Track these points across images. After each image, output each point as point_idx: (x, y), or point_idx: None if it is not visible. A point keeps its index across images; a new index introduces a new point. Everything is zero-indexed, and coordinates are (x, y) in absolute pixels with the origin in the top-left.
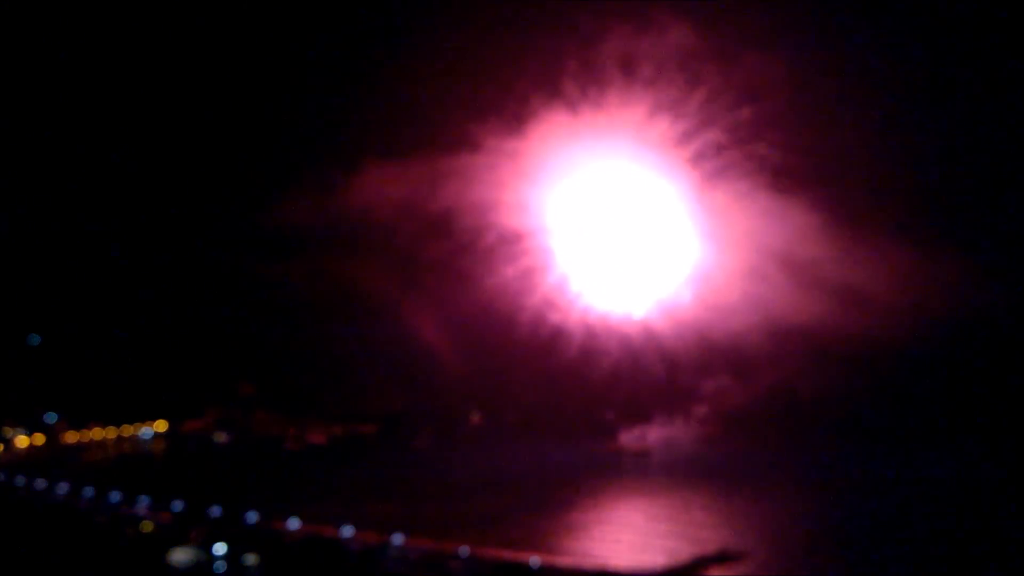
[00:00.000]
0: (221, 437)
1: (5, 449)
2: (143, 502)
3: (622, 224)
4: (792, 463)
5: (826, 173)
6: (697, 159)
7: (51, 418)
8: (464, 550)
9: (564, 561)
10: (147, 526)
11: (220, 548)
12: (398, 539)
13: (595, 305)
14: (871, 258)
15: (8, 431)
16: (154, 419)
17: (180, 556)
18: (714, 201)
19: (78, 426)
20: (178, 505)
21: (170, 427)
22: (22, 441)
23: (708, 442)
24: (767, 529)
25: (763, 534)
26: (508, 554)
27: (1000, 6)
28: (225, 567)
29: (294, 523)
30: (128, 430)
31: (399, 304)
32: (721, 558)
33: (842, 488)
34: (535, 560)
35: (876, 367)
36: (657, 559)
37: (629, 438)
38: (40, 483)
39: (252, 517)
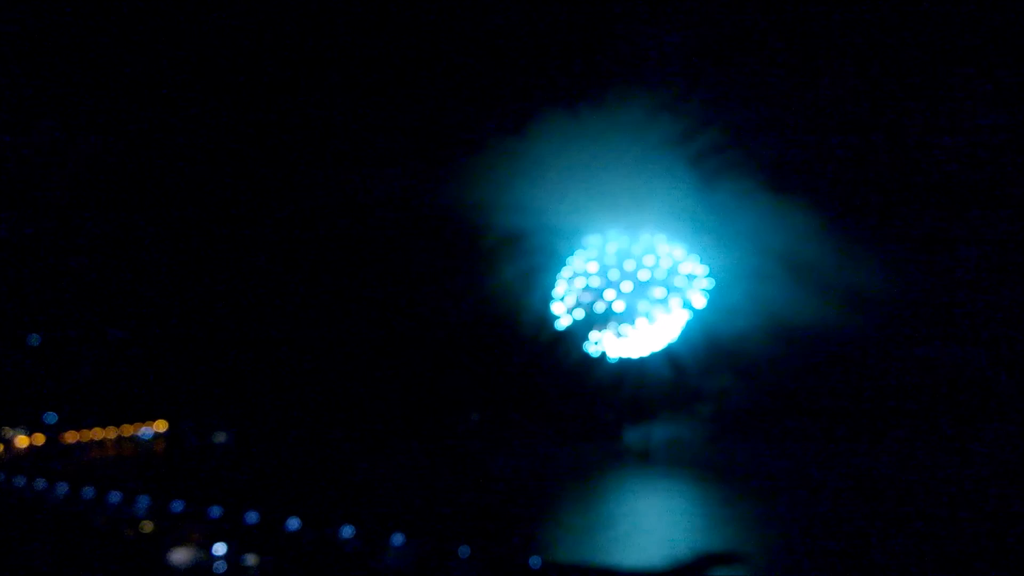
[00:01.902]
0: (221, 437)
1: (5, 449)
2: (143, 502)
3: (624, 224)
4: (794, 463)
5: (827, 172)
6: (697, 159)
7: (51, 418)
8: (464, 550)
9: (564, 561)
10: (147, 526)
11: (220, 548)
12: (398, 539)
13: (595, 305)
14: (872, 258)
15: (8, 431)
16: (154, 419)
17: (180, 556)
18: (715, 200)
19: (78, 426)
20: (178, 505)
21: (170, 427)
22: (22, 441)
23: (711, 442)
24: (769, 529)
25: (765, 534)
26: (508, 554)
27: (1000, 7)
28: (225, 567)
29: (294, 523)
30: (128, 430)
31: (399, 303)
32: (723, 558)
33: (843, 488)
34: (535, 560)
35: (877, 366)
36: (659, 559)
37: (631, 437)
38: (40, 483)
39: (252, 517)
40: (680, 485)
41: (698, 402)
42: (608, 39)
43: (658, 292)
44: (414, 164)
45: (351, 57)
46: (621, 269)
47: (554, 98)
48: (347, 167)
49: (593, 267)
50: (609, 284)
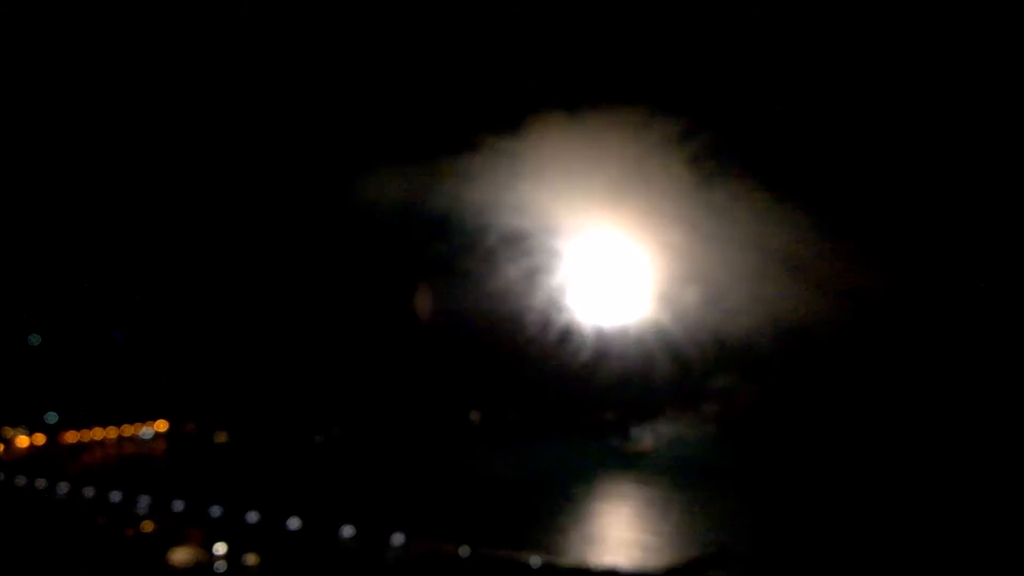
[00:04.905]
0: (221, 437)
1: (5, 449)
2: (143, 502)
3: (625, 223)
4: (794, 463)
5: (826, 172)
6: (697, 159)
7: (51, 418)
8: (464, 550)
9: (564, 561)
10: (147, 526)
11: (220, 548)
12: (398, 539)
13: (596, 304)
14: (871, 257)
15: (8, 431)
16: (154, 419)
17: (180, 556)
18: (716, 201)
19: (78, 426)
20: (178, 505)
21: (170, 427)
22: (22, 441)
23: (711, 442)
24: (768, 530)
25: (764, 535)
26: (508, 554)
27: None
28: (225, 567)
29: (294, 523)
30: (128, 430)
31: (399, 303)
32: (721, 559)
33: (842, 489)
34: (535, 560)
35: (877, 366)
36: (657, 559)
37: (631, 438)
38: (40, 483)
39: (252, 517)
40: (681, 485)
41: (702, 402)
42: (606, 38)
43: None
44: (413, 163)
45: (350, 56)
46: None
47: (552, 97)
48: (348, 166)
49: None
50: None
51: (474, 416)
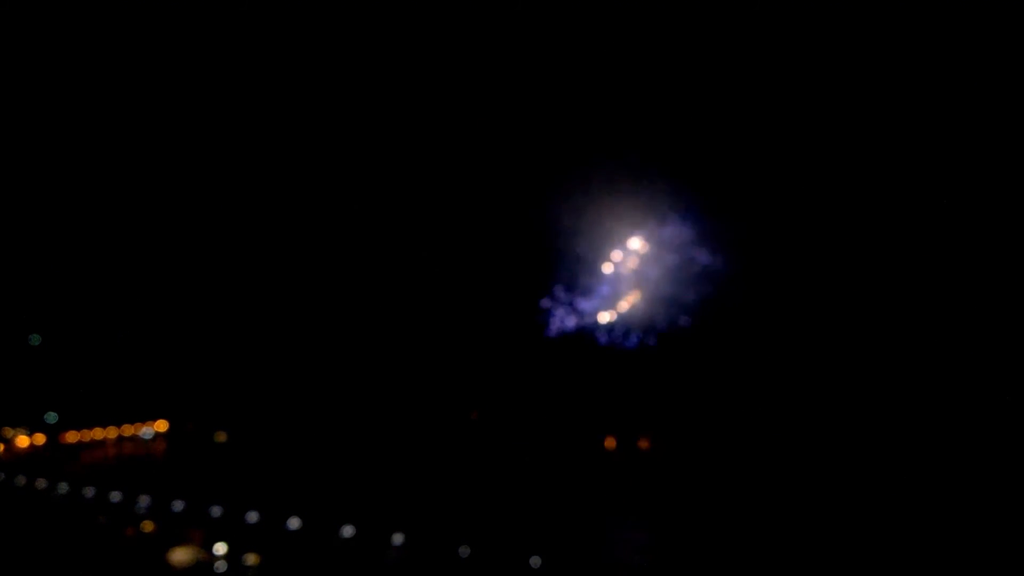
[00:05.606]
0: (221, 437)
1: (5, 449)
2: (143, 502)
3: (624, 223)
4: (792, 464)
5: (824, 172)
6: (695, 159)
7: (51, 418)
8: (464, 550)
9: (564, 561)
10: (147, 526)
11: (220, 548)
12: (398, 539)
13: (596, 304)
14: (870, 258)
15: (8, 431)
16: (154, 419)
17: (180, 556)
18: (712, 201)
19: (78, 426)
20: (178, 505)
21: (170, 427)
22: (22, 441)
23: (707, 443)
24: (766, 531)
25: (762, 536)
26: (508, 554)
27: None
28: (225, 567)
29: (294, 523)
30: (128, 430)
31: (397, 303)
32: (717, 559)
33: (840, 490)
34: (535, 560)
35: (875, 367)
36: (655, 559)
37: (628, 439)
38: (40, 483)
39: (252, 517)
40: (679, 485)
41: (695, 404)
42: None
43: None
44: (413, 163)
45: (357, 59)
46: None
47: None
48: (349, 166)
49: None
50: None
51: (472, 414)
